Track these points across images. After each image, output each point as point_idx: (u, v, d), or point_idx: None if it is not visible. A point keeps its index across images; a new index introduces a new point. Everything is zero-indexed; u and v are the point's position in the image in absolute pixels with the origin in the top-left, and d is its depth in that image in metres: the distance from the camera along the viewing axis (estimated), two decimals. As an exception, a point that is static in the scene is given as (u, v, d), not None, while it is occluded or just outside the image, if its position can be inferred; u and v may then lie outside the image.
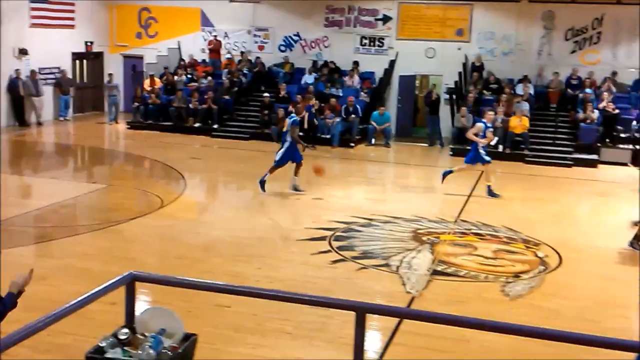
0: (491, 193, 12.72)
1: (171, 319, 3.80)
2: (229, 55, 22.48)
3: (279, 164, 12.28)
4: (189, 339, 3.80)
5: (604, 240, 10.25)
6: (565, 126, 18.20)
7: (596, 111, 17.75)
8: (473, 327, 4.20)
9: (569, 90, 19.12)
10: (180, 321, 3.79)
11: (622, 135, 17.64)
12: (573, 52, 19.94)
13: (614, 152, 17.27)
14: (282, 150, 12.23)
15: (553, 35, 20.04)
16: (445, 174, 13.07)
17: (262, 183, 12.17)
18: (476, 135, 12.72)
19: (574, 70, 19.48)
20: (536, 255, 9.09)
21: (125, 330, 3.66)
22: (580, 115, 17.82)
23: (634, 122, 17.70)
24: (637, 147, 17.25)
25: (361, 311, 2.82)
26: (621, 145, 17.46)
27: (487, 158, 12.87)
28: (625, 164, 16.95)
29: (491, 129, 13.32)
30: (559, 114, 18.61)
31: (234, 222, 10.40)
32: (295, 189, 12.30)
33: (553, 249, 9.40)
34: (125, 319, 3.80)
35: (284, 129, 12.44)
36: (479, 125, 12.91)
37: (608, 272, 8.63)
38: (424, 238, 9.59)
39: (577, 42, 19.92)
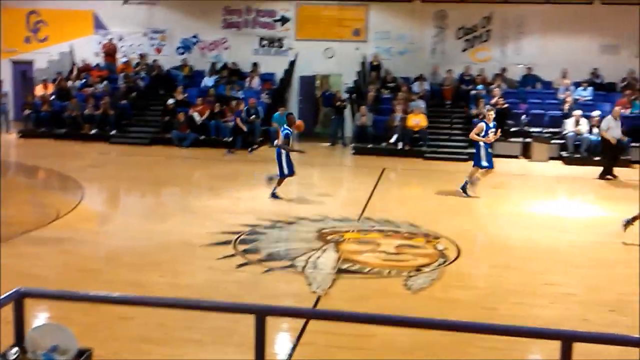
0: (464, 189, 12.92)
1: (64, 334, 3.66)
2: (125, 59, 21.93)
3: (290, 174, 12.32)
4: (84, 355, 3.68)
5: (499, 230, 10.72)
6: (460, 122, 18.89)
7: (488, 106, 18.50)
8: (376, 323, 4.29)
9: (462, 87, 19.85)
10: (73, 336, 3.67)
11: (513, 129, 18.48)
12: (465, 50, 20.73)
13: (505, 146, 18.06)
14: (285, 160, 12.20)
15: (445, 34, 20.76)
16: (463, 188, 12.97)
17: (274, 194, 12.27)
18: (478, 135, 12.81)
19: (466, 68, 20.25)
20: (436, 248, 9.38)
21: (15, 349, 3.51)
22: (474, 110, 18.54)
23: (523, 116, 18.59)
24: (527, 140, 18.11)
25: (260, 314, 2.84)
26: (512, 139, 18.29)
27: (485, 163, 12.84)
28: (516, 157, 17.76)
29: (493, 129, 13.02)
30: (453, 111, 19.31)
31: (136, 231, 10.16)
32: (275, 195, 12.29)
33: (452, 241, 9.72)
34: (15, 337, 3.64)
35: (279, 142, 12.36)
36: (481, 125, 12.95)
37: (503, 261, 9.01)
38: (329, 237, 9.70)
39: (468, 40, 20.72)
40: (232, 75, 20.95)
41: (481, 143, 12.76)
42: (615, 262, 9.06)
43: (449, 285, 8.05)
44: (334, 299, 7.43)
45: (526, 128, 18.47)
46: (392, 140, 18.19)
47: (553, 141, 17.99)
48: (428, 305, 7.30)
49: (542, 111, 18.82)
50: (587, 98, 19.09)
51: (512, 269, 8.72)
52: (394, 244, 9.54)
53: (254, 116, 18.80)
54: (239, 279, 7.97)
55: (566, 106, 18.48)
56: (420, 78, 20.04)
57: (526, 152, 18.05)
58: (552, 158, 17.70)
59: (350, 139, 19.28)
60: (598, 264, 8.98)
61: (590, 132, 17.57)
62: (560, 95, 19.08)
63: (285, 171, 12.30)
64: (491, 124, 12.96)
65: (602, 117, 17.78)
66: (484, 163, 12.80)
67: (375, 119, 18.68)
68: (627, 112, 18.27)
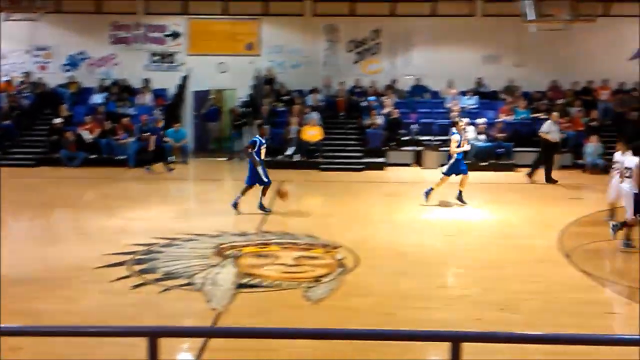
0: (461, 199, 13.25)
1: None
2: (6, 78, 20.94)
3: (268, 183, 12.33)
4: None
5: (395, 237, 10.99)
6: (354, 132, 19.26)
7: (380, 117, 19.00)
8: (276, 337, 4.29)
9: (354, 99, 20.26)
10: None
11: (404, 138, 19.02)
12: (356, 62, 21.18)
13: (398, 155, 18.59)
14: (259, 169, 12.21)
15: (337, 47, 21.14)
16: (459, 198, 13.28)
17: (262, 207, 12.35)
18: (457, 146, 12.99)
19: (358, 80, 20.69)
20: (335, 258, 9.49)
21: None
22: (367, 121, 18.95)
23: (414, 126, 19.19)
24: (419, 148, 18.70)
25: (152, 336, 2.78)
26: (404, 148, 18.83)
27: (457, 169, 13.09)
28: (408, 165, 18.29)
29: (465, 139, 13.43)
30: (347, 122, 19.66)
31: (26, 257, 9.68)
32: (263, 208, 12.34)
33: (350, 250, 9.87)
34: None
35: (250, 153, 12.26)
36: (455, 136, 13.10)
37: (400, 267, 9.23)
38: (227, 252, 9.62)
39: (359, 53, 21.18)
40: (123, 91, 20.44)
41: (454, 155, 13.05)
42: (504, 263, 9.49)
43: (349, 293, 8.16)
44: (234, 315, 7.37)
45: (417, 137, 19.06)
46: (288, 152, 18.30)
47: (442, 149, 18.64)
48: (328, 315, 7.37)
49: (431, 120, 19.49)
50: (473, 106, 19.94)
51: (408, 274, 8.94)
52: (293, 255, 9.58)
53: (147, 133, 18.40)
54: (135, 301, 7.75)
55: (453, 114, 19.23)
56: (314, 91, 20.29)
57: (418, 160, 18.62)
58: (442, 165, 18.32)
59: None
60: (488, 265, 9.36)
61: (477, 138, 18.35)
62: (448, 105, 19.84)
63: (265, 179, 12.31)
64: (461, 134, 13.32)
65: (488, 123, 18.65)
66: (460, 169, 13.17)
67: (271, 132, 18.72)
68: (510, 118, 19.23)
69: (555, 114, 17.13)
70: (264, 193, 12.41)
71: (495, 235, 11.15)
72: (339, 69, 21.10)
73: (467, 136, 13.82)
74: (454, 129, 13.37)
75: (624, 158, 10.57)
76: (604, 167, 17.42)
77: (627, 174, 10.04)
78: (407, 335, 3.43)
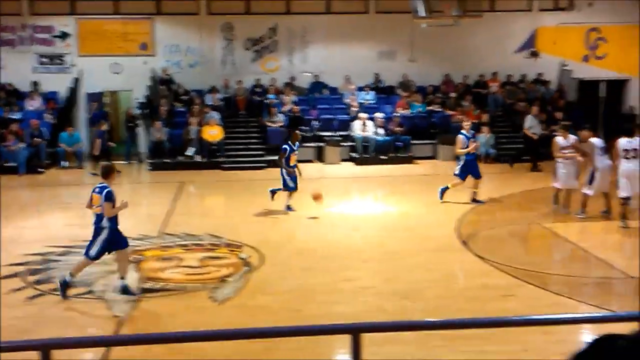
0: (476, 200, 12.87)
1: None
2: None
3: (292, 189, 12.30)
4: None
5: (300, 234, 11.07)
6: (255, 131, 19.19)
7: (281, 114, 19.03)
8: (180, 341, 4.22)
9: (254, 97, 20.19)
10: None
11: (306, 134, 19.12)
12: (254, 60, 21.09)
13: (300, 151, 18.59)
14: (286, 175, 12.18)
15: (234, 45, 20.96)
16: (475, 201, 12.83)
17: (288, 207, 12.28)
18: (462, 148, 12.67)
19: (257, 78, 20.63)
20: (240, 258, 9.44)
21: None
22: (267, 119, 18.93)
23: (315, 122, 19.34)
24: (320, 144, 18.86)
25: (44, 349, 2.66)
26: (306, 144, 18.93)
27: (473, 172, 12.73)
28: (311, 161, 18.42)
29: (472, 138, 13.05)
30: (248, 120, 19.56)
31: None
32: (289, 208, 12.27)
33: (255, 248, 9.84)
34: None
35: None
36: (459, 137, 12.80)
37: (305, 263, 9.29)
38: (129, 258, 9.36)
39: (257, 51, 21.10)
40: (10, 96, 19.48)
41: (463, 156, 12.70)
42: (405, 253, 9.74)
43: (255, 292, 8.15)
44: (138, 321, 7.20)
45: (318, 133, 19.21)
46: (189, 152, 18.03)
47: (343, 144, 18.91)
48: (235, 315, 7.33)
49: (331, 116, 19.70)
50: (370, 101, 20.31)
51: (314, 270, 9.02)
52: (198, 257, 9.46)
53: (38, 139, 17.63)
54: (31, 313, 7.42)
55: (352, 110, 19.52)
56: (213, 90, 20.06)
57: (320, 156, 18.78)
58: (344, 160, 18.60)
59: (145, 155, 18.79)
60: (390, 257, 9.58)
61: (376, 133, 18.71)
62: (346, 100, 20.12)
63: (290, 184, 12.18)
64: (469, 134, 12.99)
65: (386, 118, 19.05)
66: (473, 173, 12.81)
67: (170, 133, 18.39)
68: (407, 112, 19.72)
69: (535, 108, 17.85)
70: (290, 196, 12.41)
71: (396, 227, 11.42)
72: (238, 68, 20.93)
73: (474, 137, 13.38)
74: (462, 130, 12.98)
75: (566, 142, 11.76)
76: (497, 157, 18.24)
77: (632, 155, 10.72)
78: (307, 331, 3.47)
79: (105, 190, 7.67)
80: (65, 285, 7.74)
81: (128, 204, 7.98)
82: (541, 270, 8.87)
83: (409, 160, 18.53)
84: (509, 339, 6.14)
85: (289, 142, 12.43)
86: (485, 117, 19.15)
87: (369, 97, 20.45)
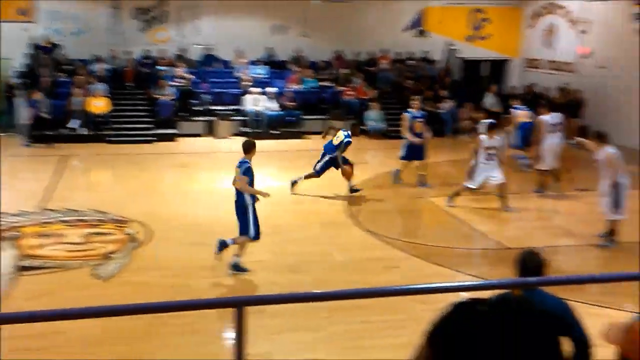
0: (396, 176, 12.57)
1: None
2: None
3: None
4: None
5: (188, 209, 10.90)
6: (143, 103, 18.66)
7: (170, 87, 18.58)
8: (56, 319, 4.06)
9: (143, 69, 19.59)
10: None
11: (197, 108, 18.82)
12: (143, 30, 20.43)
13: (190, 125, 18.36)
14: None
15: (122, 14, 20.20)
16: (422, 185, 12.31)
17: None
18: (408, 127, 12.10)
19: (146, 49, 20.01)
20: (126, 233, 9.21)
21: None
22: (156, 91, 18.44)
23: (206, 95, 19.04)
24: (211, 118, 18.61)
25: None
26: (196, 118, 18.64)
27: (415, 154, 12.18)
28: (200, 135, 18.16)
29: (419, 118, 12.17)
30: (136, 92, 18.97)
31: None
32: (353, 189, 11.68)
33: (143, 224, 9.63)
34: None
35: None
36: (405, 115, 12.18)
37: (194, 238, 9.19)
38: (5, 235, 8.92)
39: (146, 21, 20.44)
40: None
41: (409, 137, 12.08)
42: (294, 227, 9.84)
43: (142, 268, 8.00)
44: (16, 299, 6.90)
45: (209, 107, 18.93)
46: (73, 125, 17.29)
47: (235, 118, 18.74)
48: (121, 292, 7.17)
49: (223, 90, 19.44)
50: (262, 75, 20.19)
51: (202, 245, 8.93)
52: (81, 233, 9.14)
53: None
54: None
55: (244, 84, 19.35)
56: (98, 60, 19.26)
57: (211, 130, 18.53)
58: (235, 134, 18.43)
59: (25, 127, 17.85)
60: (280, 230, 9.63)
61: (267, 107, 18.66)
62: (238, 74, 19.90)
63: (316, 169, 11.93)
64: (417, 113, 12.26)
65: (278, 93, 19.02)
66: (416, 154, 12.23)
67: (52, 103, 17.53)
68: (299, 87, 19.77)
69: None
70: (308, 177, 12.05)
71: (286, 201, 11.47)
72: (126, 38, 20.17)
73: (422, 117, 12.42)
74: (409, 109, 12.44)
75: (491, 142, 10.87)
76: (385, 132, 18.65)
77: (557, 129, 11.43)
78: (191, 305, 3.44)
79: (245, 166, 7.98)
80: (237, 268, 7.81)
81: (269, 195, 8.24)
82: (425, 243, 9.22)
83: (299, 135, 18.64)
84: (391, 308, 6.36)
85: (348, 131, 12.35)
86: (372, 93, 19.52)
87: (261, 71, 20.32)
